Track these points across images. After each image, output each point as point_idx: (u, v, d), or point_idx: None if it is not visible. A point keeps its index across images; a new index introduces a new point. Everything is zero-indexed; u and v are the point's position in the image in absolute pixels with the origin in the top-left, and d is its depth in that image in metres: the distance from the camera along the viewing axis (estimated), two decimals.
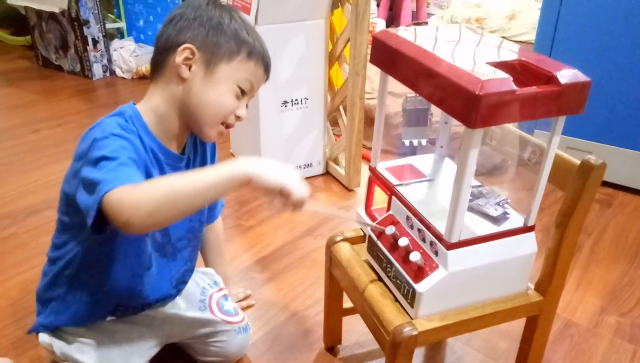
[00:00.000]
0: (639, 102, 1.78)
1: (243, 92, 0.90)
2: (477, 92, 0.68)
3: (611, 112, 1.83)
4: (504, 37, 3.22)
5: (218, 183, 0.75)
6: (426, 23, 3.84)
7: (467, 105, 0.70)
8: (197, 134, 0.95)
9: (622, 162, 1.85)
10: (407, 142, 0.98)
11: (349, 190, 1.89)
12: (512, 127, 0.99)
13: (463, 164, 0.76)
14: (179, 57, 0.86)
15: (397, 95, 2.22)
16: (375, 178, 1.02)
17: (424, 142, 0.98)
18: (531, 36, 1.93)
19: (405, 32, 0.90)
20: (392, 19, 3.97)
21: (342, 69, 1.82)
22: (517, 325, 0.98)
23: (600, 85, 1.79)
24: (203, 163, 1.02)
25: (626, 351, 1.22)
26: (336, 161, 1.97)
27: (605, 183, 1.88)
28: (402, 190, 0.96)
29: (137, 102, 0.92)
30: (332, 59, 1.82)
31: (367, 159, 1.92)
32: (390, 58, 0.87)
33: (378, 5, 3.86)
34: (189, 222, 1.02)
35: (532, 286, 0.94)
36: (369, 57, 1.26)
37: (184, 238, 1.03)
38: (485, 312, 0.88)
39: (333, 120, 1.97)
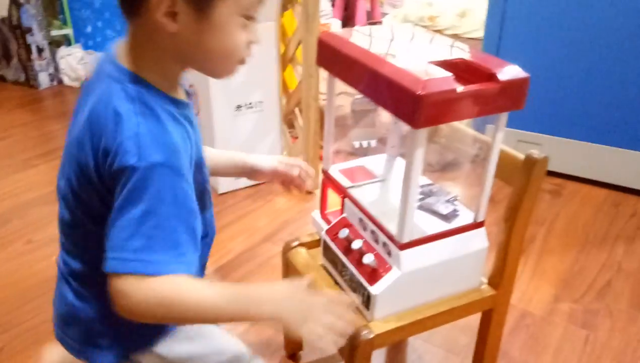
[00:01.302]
0: (584, 94, 1.84)
1: (250, 17, 0.68)
2: (418, 92, 0.68)
3: (558, 105, 1.89)
4: (455, 35, 3.28)
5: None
6: (381, 22, 3.87)
7: (409, 105, 0.70)
8: (207, 75, 0.75)
9: (570, 153, 1.91)
10: (357, 143, 0.98)
11: (309, 192, 1.88)
12: (459, 125, 1.00)
13: (410, 163, 0.76)
14: (156, 12, 0.62)
15: (352, 95, 2.22)
16: (328, 181, 1.02)
17: (373, 142, 0.98)
18: (482, 33, 1.97)
19: (349, 33, 0.89)
20: (347, 19, 3.99)
21: (296, 71, 1.81)
22: (476, 319, 0.99)
23: (547, 79, 1.84)
24: None
25: (579, 337, 1.26)
26: None
27: (555, 174, 1.94)
28: (354, 192, 0.95)
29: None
30: (285, 61, 1.81)
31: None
32: (335, 60, 0.86)
33: (333, 5, 3.87)
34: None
35: (485, 280, 0.96)
36: None
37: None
38: (440, 310, 0.89)
39: (289, 122, 1.96)
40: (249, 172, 0.95)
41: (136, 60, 0.67)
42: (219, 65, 0.69)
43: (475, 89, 0.73)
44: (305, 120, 1.77)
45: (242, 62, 0.71)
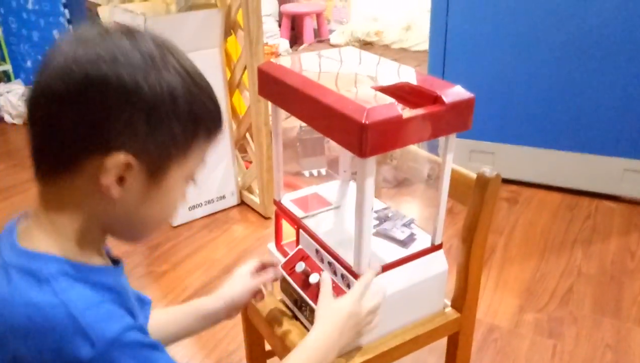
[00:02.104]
0: (532, 100, 1.88)
1: (193, 179, 0.61)
2: (363, 121, 0.66)
3: (508, 113, 1.92)
4: (402, 48, 3.33)
5: None
6: (328, 40, 3.89)
7: (355, 135, 0.67)
8: (126, 241, 0.64)
9: (523, 159, 1.95)
10: (307, 173, 0.95)
11: (266, 218, 1.83)
12: (410, 147, 0.98)
13: (361, 193, 0.73)
14: (107, 176, 0.52)
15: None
16: (281, 212, 0.98)
17: (323, 171, 0.95)
18: (427, 45, 1.99)
19: (289, 61, 0.86)
20: (295, 38, 3.99)
21: (244, 96, 1.77)
22: (443, 340, 0.97)
23: (495, 88, 1.87)
24: None
25: (547, 347, 1.25)
26: (250, 190, 1.91)
27: (510, 181, 1.96)
28: (308, 223, 0.92)
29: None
30: (232, 86, 1.77)
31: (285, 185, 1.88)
32: (277, 89, 0.83)
33: (280, 25, 3.87)
34: None
35: (449, 302, 0.94)
36: None
37: None
38: (405, 339, 0.86)
39: (242, 148, 1.91)
40: (225, 311, 0.82)
41: (50, 234, 0.55)
42: (148, 230, 0.60)
43: (421, 114, 0.71)
44: (257, 145, 1.73)
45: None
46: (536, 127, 1.91)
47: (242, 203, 1.92)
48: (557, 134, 1.88)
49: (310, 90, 0.75)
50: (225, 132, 1.80)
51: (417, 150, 0.97)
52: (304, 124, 0.92)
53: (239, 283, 0.83)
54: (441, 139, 0.78)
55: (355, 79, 0.81)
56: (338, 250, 0.84)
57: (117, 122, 0.51)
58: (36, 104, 0.53)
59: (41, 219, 0.55)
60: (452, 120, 0.74)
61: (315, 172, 0.94)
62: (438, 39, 1.91)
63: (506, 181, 1.94)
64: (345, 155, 1.04)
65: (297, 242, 0.94)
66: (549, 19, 1.76)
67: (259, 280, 0.84)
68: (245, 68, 1.66)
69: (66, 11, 2.71)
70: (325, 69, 0.84)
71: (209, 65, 1.67)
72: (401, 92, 0.77)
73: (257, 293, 0.85)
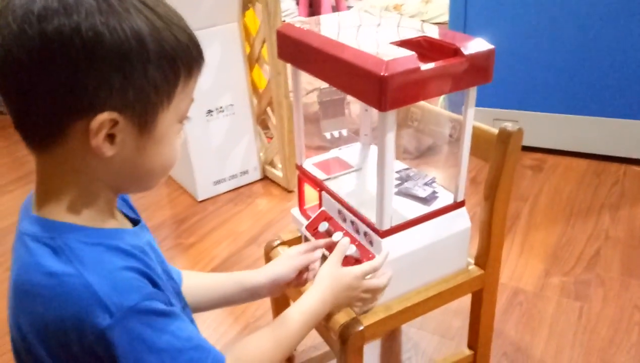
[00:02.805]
0: (556, 65, 1.84)
1: (185, 119, 0.60)
2: (382, 73, 0.66)
3: (531, 79, 1.89)
4: (422, 21, 3.29)
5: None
6: None
7: (374, 88, 0.68)
8: (138, 192, 0.65)
9: (547, 126, 1.91)
10: (328, 135, 0.96)
11: (289, 191, 1.85)
12: (430, 106, 0.98)
13: (382, 148, 0.73)
14: (95, 138, 0.51)
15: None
16: (304, 176, 0.99)
17: (344, 132, 0.96)
18: (447, 17, 1.96)
19: (308, 23, 0.87)
20: (313, 16, 3.97)
21: (263, 70, 1.78)
22: (468, 301, 0.97)
23: (517, 53, 1.84)
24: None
25: (573, 309, 1.25)
26: (272, 164, 1.93)
27: (535, 149, 1.93)
28: (330, 184, 0.93)
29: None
30: (252, 61, 1.78)
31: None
32: (297, 51, 0.84)
33: (297, 3, 3.85)
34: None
35: (472, 261, 0.94)
36: None
37: None
38: (429, 295, 0.87)
39: (263, 123, 1.93)
40: (268, 288, 0.81)
41: (57, 202, 0.54)
42: (155, 179, 0.59)
43: (440, 66, 0.71)
44: (278, 118, 1.74)
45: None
46: (560, 93, 1.87)
47: (265, 178, 1.94)
48: (582, 99, 1.84)
49: (329, 48, 0.75)
50: (247, 107, 1.82)
51: (438, 109, 0.97)
52: (324, 86, 0.93)
53: (285, 262, 0.82)
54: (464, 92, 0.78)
55: (375, 36, 0.81)
56: (360, 209, 0.85)
57: (88, 79, 0.48)
58: (3, 74, 0.50)
59: (47, 187, 0.55)
60: (472, 73, 0.74)
61: (336, 133, 0.95)
62: (458, 5, 1.88)
63: (530, 149, 1.92)
64: (365, 118, 1.05)
65: (320, 204, 0.96)
66: None
67: (305, 258, 0.83)
68: (264, 41, 1.66)
69: None
70: (344, 28, 0.84)
71: (228, 41, 1.68)
72: (420, 46, 0.77)
73: (302, 274, 0.83)
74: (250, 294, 0.81)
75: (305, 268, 0.83)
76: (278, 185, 1.89)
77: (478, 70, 0.74)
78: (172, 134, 0.57)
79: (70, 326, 0.50)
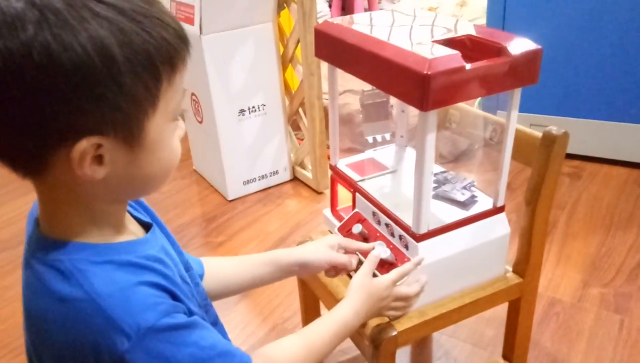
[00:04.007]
0: (594, 71, 1.78)
1: (178, 116, 0.55)
2: (425, 72, 0.64)
3: (569, 84, 1.83)
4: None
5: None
6: None
7: (416, 87, 0.66)
8: (147, 195, 0.61)
9: (586, 133, 1.85)
10: (370, 139, 0.94)
11: (319, 193, 1.84)
12: (470, 108, 0.96)
13: (421, 149, 0.72)
14: (79, 167, 0.47)
15: (358, 93, 2.18)
16: (337, 176, 0.98)
17: (387, 136, 0.94)
18: (483, 20, 1.92)
19: (346, 21, 0.85)
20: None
21: (297, 71, 1.77)
22: (502, 310, 0.94)
23: (556, 58, 1.78)
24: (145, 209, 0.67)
25: (613, 322, 1.20)
26: (302, 165, 1.92)
27: (573, 156, 1.88)
28: (365, 186, 0.91)
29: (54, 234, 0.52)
30: (285, 61, 1.77)
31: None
32: (335, 49, 0.83)
33: (330, 6, 3.84)
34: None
35: (510, 268, 0.91)
36: None
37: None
38: (465, 302, 0.84)
39: (294, 124, 1.92)
40: (298, 270, 0.81)
41: (62, 222, 0.51)
42: (159, 182, 0.55)
43: (486, 65, 0.68)
44: (309, 119, 1.73)
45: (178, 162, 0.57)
46: (600, 98, 1.81)
47: (295, 179, 1.94)
48: (623, 105, 1.78)
49: (368, 45, 0.74)
50: (279, 107, 1.82)
51: (478, 111, 0.94)
52: (366, 88, 0.92)
53: (319, 252, 0.80)
54: (506, 95, 0.76)
55: (413, 33, 0.79)
56: (396, 212, 0.83)
57: (54, 107, 0.43)
58: None
59: (49, 208, 0.52)
60: (518, 73, 0.71)
61: (379, 138, 0.93)
62: (497, 9, 1.84)
63: (568, 156, 1.85)
64: (402, 120, 1.03)
65: (354, 206, 0.94)
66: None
67: (340, 258, 0.80)
68: (298, 42, 1.66)
69: None
70: (381, 26, 0.82)
71: (263, 40, 1.68)
72: (463, 45, 0.75)
73: (332, 269, 0.82)
74: (286, 273, 0.81)
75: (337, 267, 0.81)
76: (308, 186, 1.88)
77: (524, 71, 0.72)
78: (168, 136, 0.52)
79: (86, 352, 0.48)
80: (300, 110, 1.82)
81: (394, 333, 0.79)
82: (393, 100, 0.95)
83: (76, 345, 0.48)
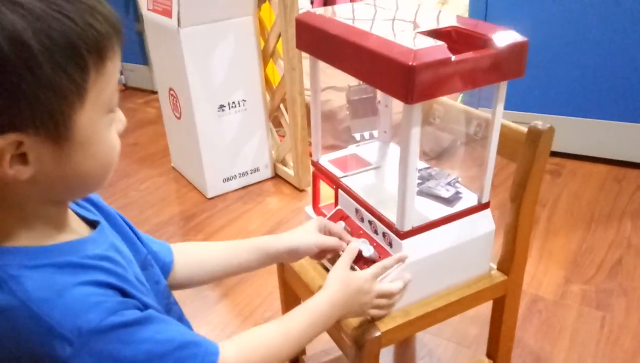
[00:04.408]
0: (575, 68, 1.79)
1: (114, 108, 0.51)
2: (410, 63, 0.62)
3: (551, 81, 1.84)
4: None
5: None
6: None
7: (401, 79, 0.64)
8: (89, 194, 0.59)
9: (567, 130, 1.86)
10: (357, 136, 0.91)
11: (300, 190, 1.81)
12: (454, 103, 0.94)
13: (406, 143, 0.69)
14: (2, 167, 0.44)
15: (340, 89, 2.16)
16: (319, 172, 0.95)
17: (375, 133, 0.91)
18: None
19: (328, 12, 0.83)
20: None
21: (278, 66, 1.74)
22: (486, 309, 0.93)
23: (536, 56, 1.78)
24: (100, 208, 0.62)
25: (595, 318, 1.20)
26: (284, 162, 1.89)
27: (553, 153, 1.88)
28: (347, 182, 0.89)
29: None
30: (266, 56, 1.74)
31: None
32: (317, 40, 0.80)
33: (312, 2, 3.81)
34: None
35: (494, 266, 0.90)
36: None
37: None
38: (450, 300, 0.82)
39: (276, 120, 1.89)
40: (287, 256, 0.80)
41: None
42: (99, 180, 0.51)
43: (472, 57, 0.66)
44: (291, 115, 1.70)
45: (118, 158, 0.53)
46: (580, 95, 1.82)
47: (276, 176, 1.91)
48: (602, 102, 1.79)
49: (352, 37, 0.71)
50: (259, 103, 1.78)
51: (462, 106, 0.93)
52: (353, 83, 0.89)
53: (309, 237, 0.78)
54: (489, 90, 0.74)
55: (396, 25, 0.77)
56: (379, 209, 0.81)
57: None
58: None
59: None
60: (505, 66, 0.69)
61: (367, 135, 0.90)
62: (478, 6, 1.84)
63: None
64: (385, 115, 1.00)
65: (336, 203, 0.92)
66: None
67: (329, 241, 0.79)
68: (279, 36, 1.63)
69: None
70: (364, 18, 0.80)
71: (243, 34, 1.64)
72: (448, 36, 0.73)
73: (320, 252, 0.79)
74: (273, 260, 0.79)
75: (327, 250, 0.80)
76: (289, 183, 1.85)
77: (510, 64, 0.70)
78: (102, 130, 0.48)
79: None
80: (281, 106, 1.79)
81: (378, 333, 0.77)
82: (380, 95, 0.93)
83: (16, 357, 0.45)
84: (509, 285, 0.88)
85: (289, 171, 1.85)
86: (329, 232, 0.81)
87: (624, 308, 1.22)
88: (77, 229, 0.54)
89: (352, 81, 0.87)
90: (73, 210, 0.56)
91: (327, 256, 0.82)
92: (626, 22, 1.67)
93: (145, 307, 0.51)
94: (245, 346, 0.60)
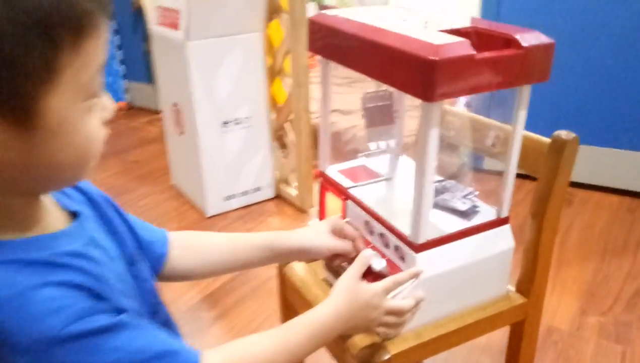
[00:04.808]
0: (586, 95, 1.76)
1: (93, 94, 0.45)
2: (432, 58, 0.58)
3: (561, 108, 1.81)
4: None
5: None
6: None
7: (422, 74, 0.59)
8: (66, 187, 0.53)
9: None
10: (373, 145, 0.86)
11: (303, 211, 1.76)
12: (470, 114, 0.90)
13: (424, 146, 0.65)
14: None
15: (346, 112, 2.14)
16: (327, 183, 0.90)
17: (393, 142, 0.87)
18: None
19: (342, 12, 0.80)
20: None
21: (284, 83, 1.72)
22: (498, 338, 0.87)
23: (548, 81, 1.76)
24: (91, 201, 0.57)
25: (615, 352, 1.13)
26: (287, 182, 1.84)
27: None
28: (357, 193, 0.84)
29: None
30: (273, 74, 1.72)
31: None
32: (330, 40, 0.76)
33: None
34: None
35: (512, 288, 0.84)
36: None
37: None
38: (466, 323, 0.76)
39: (280, 140, 1.85)
40: (295, 256, 0.75)
41: None
42: (75, 173, 0.46)
43: (497, 55, 0.62)
44: (296, 133, 1.67)
45: (101, 149, 0.48)
46: (591, 123, 1.78)
47: (279, 197, 1.86)
48: (614, 131, 1.75)
49: (369, 34, 0.68)
50: (264, 120, 1.75)
51: (476, 116, 0.88)
52: (369, 90, 0.85)
53: (320, 239, 0.73)
54: (507, 98, 0.70)
55: (414, 24, 0.73)
56: (391, 221, 0.76)
57: None
58: None
59: None
60: (530, 67, 0.65)
61: (383, 145, 0.85)
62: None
63: None
64: (397, 127, 0.96)
65: (344, 215, 0.86)
66: (609, 5, 1.65)
67: (342, 245, 0.73)
68: (287, 53, 1.61)
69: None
70: (380, 17, 0.76)
71: (251, 50, 1.62)
72: (469, 36, 0.69)
73: (334, 257, 0.74)
74: (282, 258, 0.75)
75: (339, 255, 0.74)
76: (292, 204, 1.80)
77: (536, 65, 0.66)
78: (79, 116, 0.43)
79: None
80: (286, 125, 1.76)
81: (387, 356, 0.71)
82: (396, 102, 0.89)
83: None
84: (528, 308, 0.82)
85: (292, 191, 1.80)
86: (342, 235, 0.75)
87: None
88: (51, 223, 0.48)
89: (367, 89, 0.83)
90: (56, 200, 0.50)
91: (337, 261, 0.76)
92: (638, 48, 1.65)
93: (119, 311, 0.45)
94: (232, 356, 0.54)
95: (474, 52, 0.60)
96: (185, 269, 0.69)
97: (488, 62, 0.62)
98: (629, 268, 1.40)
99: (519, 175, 0.76)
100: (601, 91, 1.73)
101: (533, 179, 0.79)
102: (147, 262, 0.62)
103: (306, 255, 0.73)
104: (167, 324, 0.62)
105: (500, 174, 0.75)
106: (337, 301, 0.65)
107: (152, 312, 0.58)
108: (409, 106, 0.92)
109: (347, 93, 2.08)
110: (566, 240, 1.55)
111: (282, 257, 0.74)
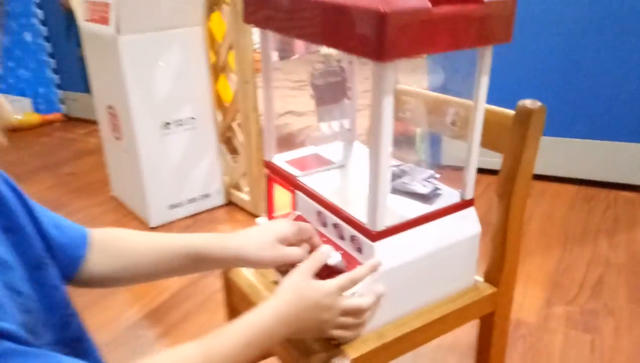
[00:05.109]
0: (540, 85, 1.75)
1: None
2: (382, 9, 0.50)
3: (513, 96, 1.78)
4: None
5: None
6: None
7: (371, 30, 0.51)
8: None
9: None
10: (325, 126, 0.78)
11: (256, 217, 1.65)
12: (426, 91, 0.83)
13: (378, 116, 0.57)
14: None
15: (299, 114, 2.06)
16: (273, 174, 0.81)
17: (347, 123, 0.79)
18: None
19: None
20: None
21: (230, 80, 1.62)
22: (465, 335, 0.79)
23: (501, 74, 1.74)
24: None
25: (584, 342, 1.08)
26: (238, 187, 1.73)
27: None
28: (307, 182, 0.75)
29: None
30: (217, 71, 1.61)
31: None
32: (267, 8, 0.68)
33: None
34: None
35: (480, 278, 0.77)
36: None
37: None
38: (433, 318, 0.68)
39: (229, 142, 1.74)
40: (231, 263, 0.67)
41: None
42: None
43: (455, 10, 0.55)
44: (245, 134, 1.57)
45: None
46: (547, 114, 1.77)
47: (230, 203, 1.75)
48: (568, 121, 1.75)
49: None
50: (210, 121, 1.64)
51: (435, 94, 0.82)
52: (317, 67, 0.77)
53: (267, 248, 0.63)
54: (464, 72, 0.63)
55: None
56: (345, 209, 0.67)
57: None
58: None
59: None
60: (491, 26, 0.59)
61: (335, 126, 0.77)
62: None
63: None
64: (349, 111, 0.88)
65: (294, 207, 0.77)
66: None
67: (292, 255, 0.63)
68: (230, 47, 1.51)
69: (39, 12, 2.57)
70: None
71: (191, 46, 1.52)
72: None
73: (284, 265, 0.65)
74: (212, 267, 0.66)
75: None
76: (244, 210, 1.69)
77: (497, 24, 0.59)
78: None
79: None
80: (234, 125, 1.65)
81: (347, 362, 0.62)
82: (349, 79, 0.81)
83: None
84: (498, 298, 0.75)
85: (243, 196, 1.69)
86: (298, 233, 0.65)
87: (612, 330, 1.11)
88: None
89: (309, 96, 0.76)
90: None
91: (287, 267, 0.66)
92: (596, 39, 1.65)
93: (4, 335, 0.36)
94: None
95: (428, 5, 0.53)
96: (102, 275, 0.59)
97: (445, 18, 0.54)
98: (590, 255, 1.38)
99: (478, 170, 0.69)
100: (556, 80, 1.73)
101: (493, 172, 0.73)
102: (56, 267, 0.52)
103: (245, 265, 0.65)
104: (80, 340, 0.52)
105: (460, 169, 0.68)
106: (279, 302, 0.56)
107: (61, 325, 0.49)
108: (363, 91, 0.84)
109: (300, 96, 2.01)
110: (527, 231, 1.52)
111: (214, 266, 0.65)
